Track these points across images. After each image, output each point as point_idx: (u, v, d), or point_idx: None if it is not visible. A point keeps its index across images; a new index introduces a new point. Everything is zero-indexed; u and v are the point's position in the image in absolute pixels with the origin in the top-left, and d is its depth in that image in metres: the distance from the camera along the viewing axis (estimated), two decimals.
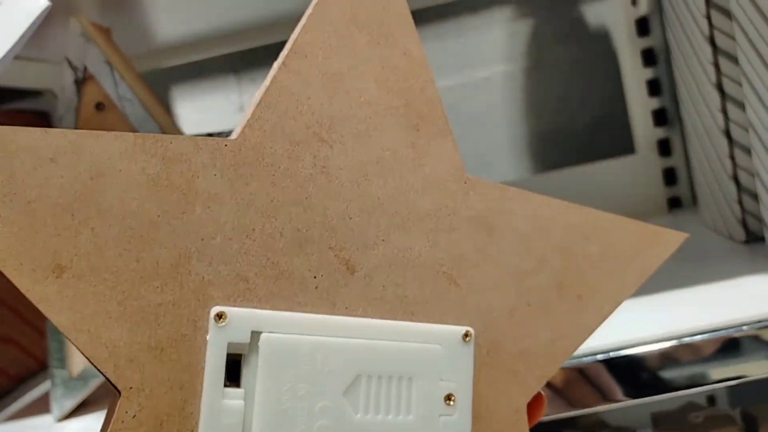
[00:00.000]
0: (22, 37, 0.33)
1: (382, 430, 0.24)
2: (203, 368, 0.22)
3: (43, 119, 0.76)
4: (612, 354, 0.41)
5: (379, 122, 0.26)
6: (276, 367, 0.23)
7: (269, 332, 0.23)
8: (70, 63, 0.46)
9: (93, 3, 0.55)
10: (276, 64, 0.27)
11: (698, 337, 0.41)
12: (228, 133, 0.31)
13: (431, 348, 0.25)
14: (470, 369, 0.26)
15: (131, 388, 0.21)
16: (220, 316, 0.22)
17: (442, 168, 0.27)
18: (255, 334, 0.23)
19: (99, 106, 0.46)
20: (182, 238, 0.22)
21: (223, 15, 0.70)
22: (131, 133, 0.22)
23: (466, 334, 0.26)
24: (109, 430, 0.21)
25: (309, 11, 0.27)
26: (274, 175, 0.24)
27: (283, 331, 0.23)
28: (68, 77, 0.46)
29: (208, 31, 0.76)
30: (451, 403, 0.25)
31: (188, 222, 0.23)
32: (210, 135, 0.52)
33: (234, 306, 0.23)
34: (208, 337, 0.22)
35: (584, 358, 0.41)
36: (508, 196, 0.28)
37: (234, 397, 0.22)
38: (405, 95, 0.27)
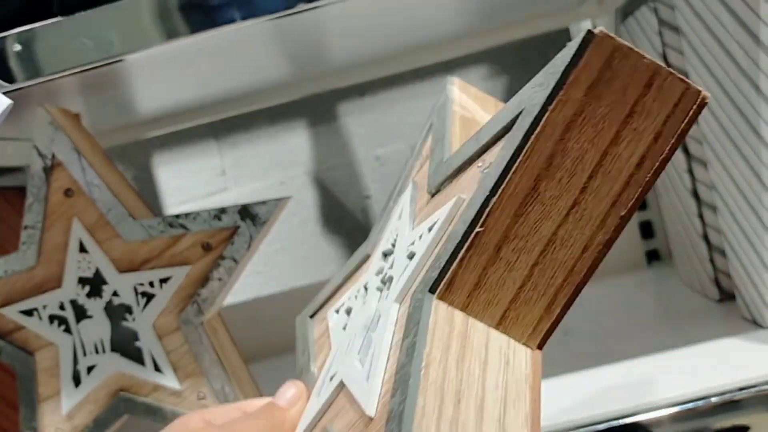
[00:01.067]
0: None
1: None
2: None
3: (23, 195, 0.76)
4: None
5: None
6: None
7: None
8: (38, 151, 0.46)
9: (73, 81, 0.55)
10: None
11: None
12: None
13: None
14: None
15: None
16: None
17: None
18: None
19: (67, 192, 0.46)
20: None
21: (202, 86, 0.71)
22: None
23: None
24: None
25: None
26: None
27: None
28: (37, 165, 0.47)
29: (188, 102, 0.77)
30: None
31: None
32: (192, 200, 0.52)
33: None
34: None
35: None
36: None
37: None
38: None
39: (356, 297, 0.37)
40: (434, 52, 0.77)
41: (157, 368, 0.48)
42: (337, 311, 0.39)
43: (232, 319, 0.57)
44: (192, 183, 0.97)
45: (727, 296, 0.55)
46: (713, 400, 0.39)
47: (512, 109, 0.27)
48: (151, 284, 0.47)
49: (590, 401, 0.43)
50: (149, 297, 0.48)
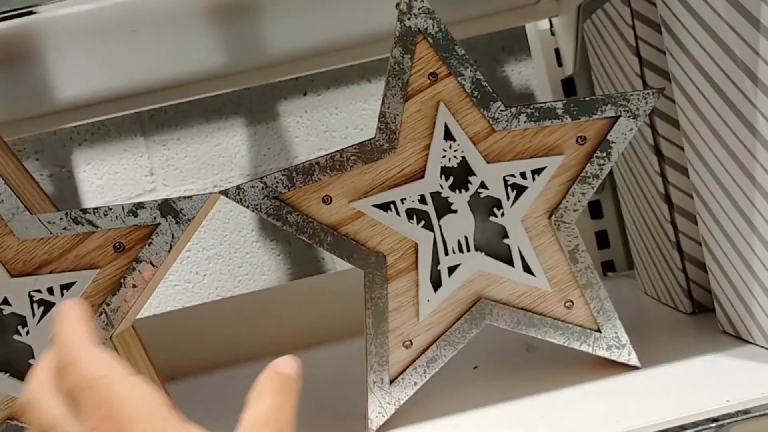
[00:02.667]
0: None
1: None
2: None
3: None
4: None
5: None
6: None
7: None
8: None
9: None
10: None
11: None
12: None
13: None
14: None
15: None
16: None
17: None
18: None
19: None
20: None
21: (127, 74, 0.63)
22: None
23: None
24: None
25: None
26: None
27: None
28: None
29: (112, 90, 0.69)
30: None
31: None
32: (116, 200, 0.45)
33: None
34: None
35: None
36: None
37: None
38: None
39: None
40: (381, 47, 0.71)
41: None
42: None
43: (155, 333, 0.50)
44: (116, 183, 0.88)
45: (700, 309, 0.51)
46: (709, 426, 0.35)
47: None
48: (50, 291, 0.40)
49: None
50: (48, 306, 0.40)
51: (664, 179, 0.51)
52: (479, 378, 0.49)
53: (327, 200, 0.42)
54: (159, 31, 0.49)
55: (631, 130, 0.42)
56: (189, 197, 0.40)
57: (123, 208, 0.39)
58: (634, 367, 0.44)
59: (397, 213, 0.42)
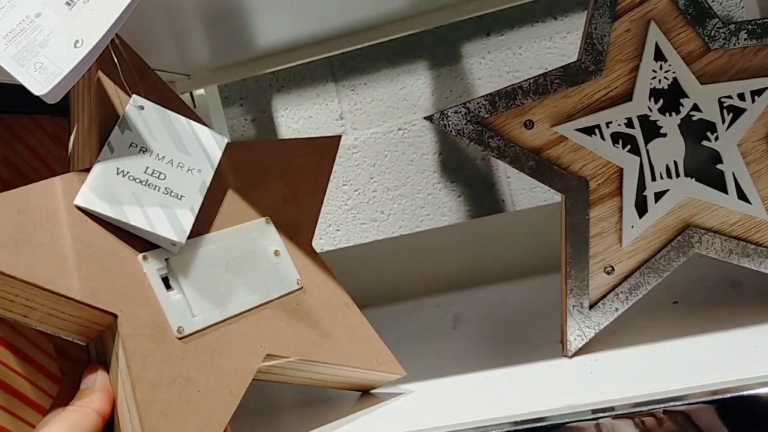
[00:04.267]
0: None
1: (252, 281, 0.42)
2: None
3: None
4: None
5: None
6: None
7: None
8: None
9: (197, 11, 0.53)
10: None
11: None
12: None
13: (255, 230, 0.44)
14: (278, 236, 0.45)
15: None
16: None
17: None
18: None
19: None
20: None
21: (320, 19, 0.67)
22: None
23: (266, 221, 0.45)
24: None
25: None
26: None
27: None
28: None
29: (306, 36, 0.74)
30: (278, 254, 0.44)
31: None
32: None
33: None
34: None
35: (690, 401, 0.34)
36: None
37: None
38: None
39: None
40: None
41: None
42: None
43: (344, 265, 0.54)
44: (310, 127, 0.94)
45: None
46: None
47: None
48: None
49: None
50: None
51: None
52: (679, 313, 0.48)
53: (529, 125, 0.42)
54: None
55: None
56: None
57: None
58: None
59: (602, 137, 0.42)
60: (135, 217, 0.37)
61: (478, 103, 0.42)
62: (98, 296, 0.35)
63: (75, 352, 0.57)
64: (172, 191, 0.39)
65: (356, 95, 0.94)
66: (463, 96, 0.90)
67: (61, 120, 0.63)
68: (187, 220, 0.39)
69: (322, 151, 0.50)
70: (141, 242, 0.38)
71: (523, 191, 0.89)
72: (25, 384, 0.51)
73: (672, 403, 0.34)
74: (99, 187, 0.37)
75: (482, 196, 0.89)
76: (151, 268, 0.38)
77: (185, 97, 0.81)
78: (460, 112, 0.42)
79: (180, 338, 0.37)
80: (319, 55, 0.79)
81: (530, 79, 0.41)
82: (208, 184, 0.41)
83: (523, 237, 0.73)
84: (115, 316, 0.35)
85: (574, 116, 0.42)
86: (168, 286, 0.38)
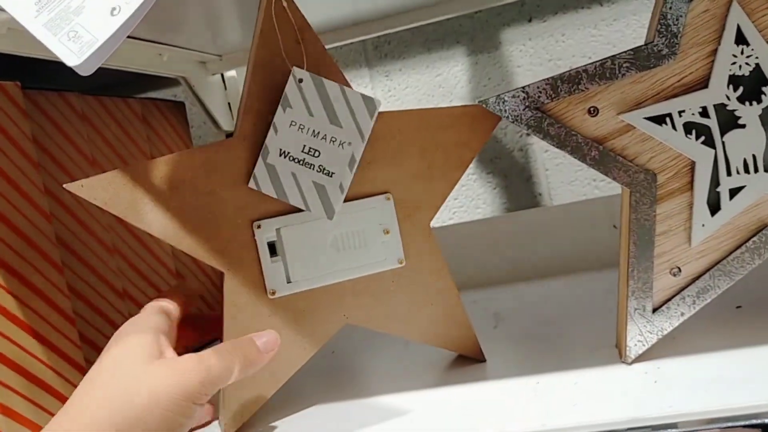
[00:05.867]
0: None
1: (353, 256, 0.45)
2: None
3: (179, 108, 0.73)
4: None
5: None
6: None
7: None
8: None
9: None
10: None
11: None
12: None
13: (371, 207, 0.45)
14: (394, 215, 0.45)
15: None
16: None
17: None
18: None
19: None
20: None
21: (354, 0, 0.64)
22: None
23: (386, 197, 0.45)
24: None
25: None
26: None
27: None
28: None
29: (340, 19, 0.71)
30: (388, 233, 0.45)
31: None
32: None
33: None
34: None
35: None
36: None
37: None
38: None
39: None
40: None
41: None
42: None
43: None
44: None
45: None
46: None
47: None
48: None
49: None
50: None
51: None
52: (743, 318, 0.45)
53: (593, 112, 0.39)
54: None
55: None
56: None
57: None
58: None
59: (673, 127, 0.38)
60: (294, 198, 0.42)
61: (538, 87, 0.39)
62: (211, 256, 0.42)
63: (101, 342, 0.55)
64: (324, 169, 0.42)
65: (390, 81, 0.91)
66: (502, 84, 0.87)
67: (90, 99, 0.61)
68: (337, 198, 0.42)
69: (477, 123, 0.46)
70: (258, 210, 0.42)
71: (561, 185, 0.85)
72: (49, 372, 0.49)
73: (753, 420, 0.31)
74: (265, 171, 0.41)
75: (519, 189, 0.86)
76: (261, 235, 0.43)
77: (216, 78, 0.78)
78: (519, 96, 0.39)
79: (272, 299, 0.43)
80: (352, 39, 0.77)
81: (596, 62, 0.38)
82: (357, 159, 0.43)
83: (562, 233, 0.69)
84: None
85: (644, 104, 0.38)
86: (273, 253, 0.43)
